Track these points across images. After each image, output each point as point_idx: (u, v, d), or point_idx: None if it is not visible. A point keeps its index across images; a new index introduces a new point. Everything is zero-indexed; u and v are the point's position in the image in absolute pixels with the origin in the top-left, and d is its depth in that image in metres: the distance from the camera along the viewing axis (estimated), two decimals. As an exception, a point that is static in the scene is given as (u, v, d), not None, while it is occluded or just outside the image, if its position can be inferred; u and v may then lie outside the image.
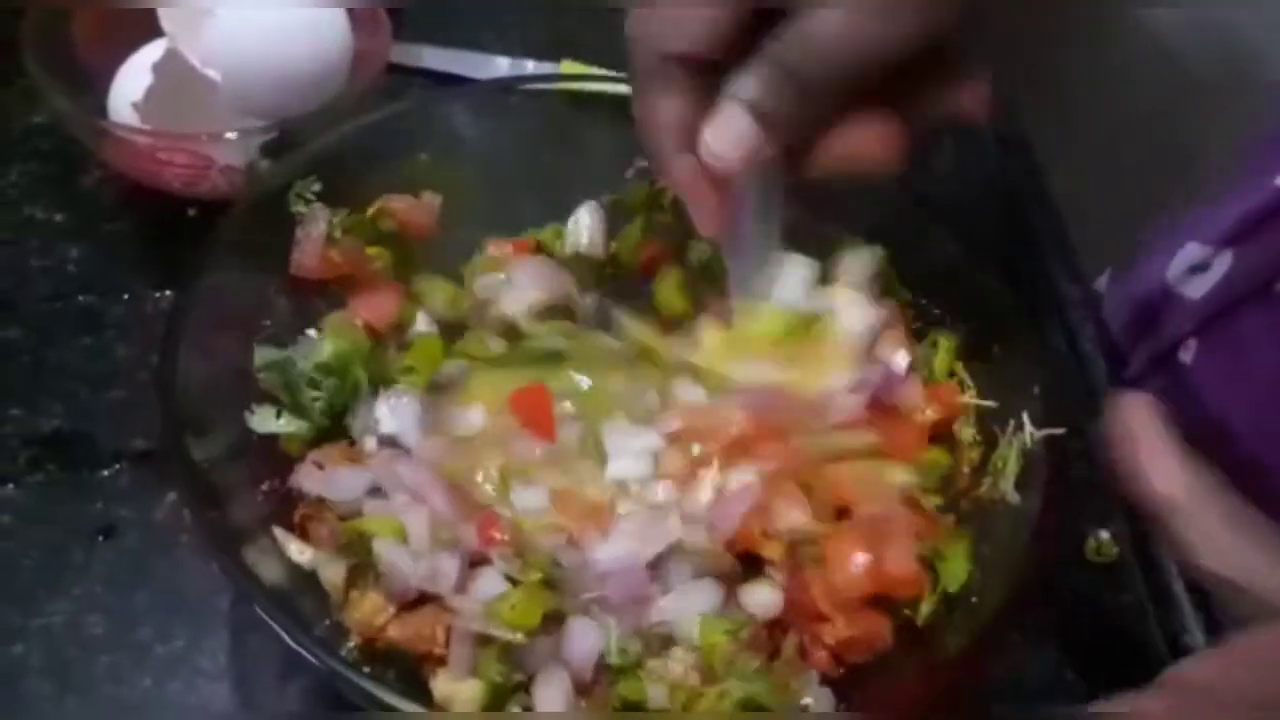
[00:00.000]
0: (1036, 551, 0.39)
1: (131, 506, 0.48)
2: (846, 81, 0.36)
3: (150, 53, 0.55)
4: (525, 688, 0.40)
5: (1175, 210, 0.54)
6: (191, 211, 0.55)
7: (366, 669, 0.39)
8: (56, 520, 0.47)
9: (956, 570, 0.41)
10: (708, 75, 0.38)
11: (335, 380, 0.44)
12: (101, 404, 0.51)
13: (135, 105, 0.53)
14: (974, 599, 0.40)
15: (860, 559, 0.40)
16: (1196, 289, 0.50)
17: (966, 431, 0.45)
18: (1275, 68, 0.61)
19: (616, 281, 0.50)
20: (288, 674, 0.44)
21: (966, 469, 0.44)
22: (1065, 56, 0.71)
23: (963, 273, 0.46)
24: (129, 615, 0.45)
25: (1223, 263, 0.49)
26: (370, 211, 0.47)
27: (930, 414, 0.44)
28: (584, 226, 0.50)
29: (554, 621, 0.40)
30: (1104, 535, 0.51)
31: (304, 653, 0.35)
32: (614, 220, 0.51)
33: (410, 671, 0.40)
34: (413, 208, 0.48)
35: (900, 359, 0.45)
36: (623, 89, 0.46)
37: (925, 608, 0.41)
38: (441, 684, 0.39)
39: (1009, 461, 0.42)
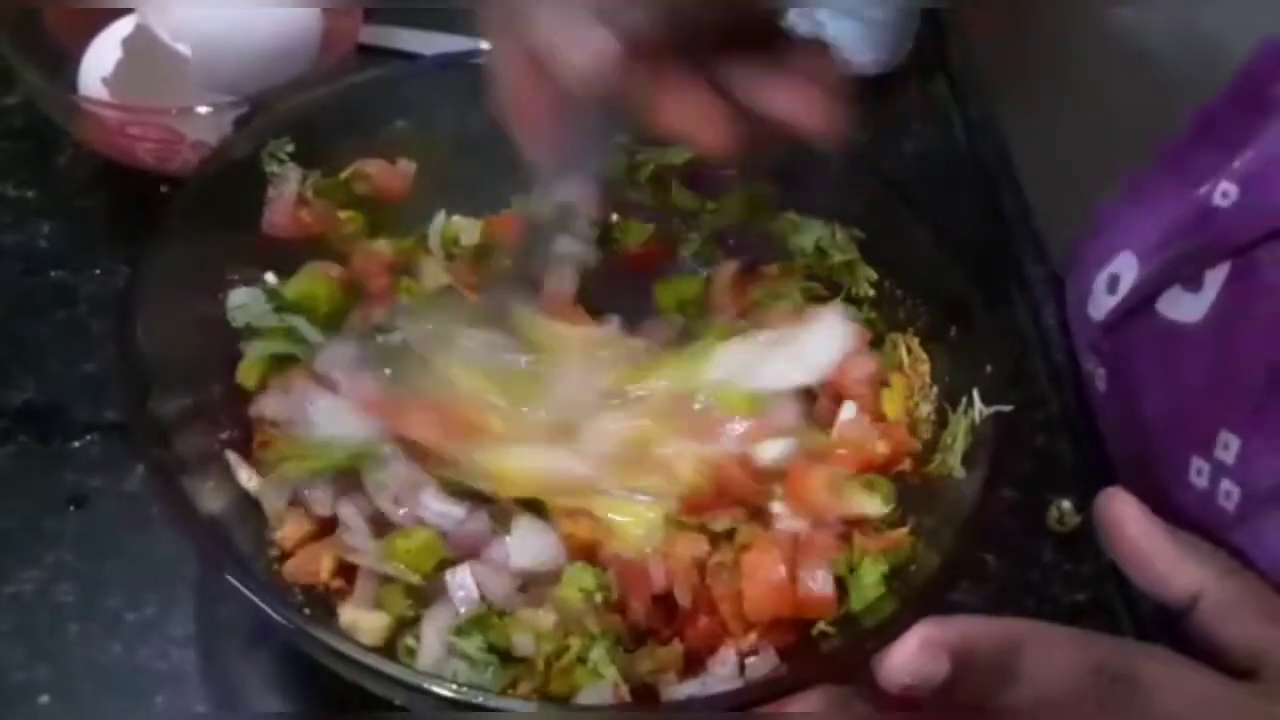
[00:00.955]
0: (974, 526, 0.39)
1: (103, 477, 0.48)
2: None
3: (120, 28, 0.55)
4: None
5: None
6: (164, 188, 0.55)
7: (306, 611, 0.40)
8: (28, 490, 0.48)
9: (866, 593, 0.40)
10: None
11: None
12: (73, 377, 0.51)
13: (105, 80, 0.54)
14: (912, 568, 0.40)
15: (775, 578, 0.40)
16: (1102, 308, 0.50)
17: (924, 408, 0.46)
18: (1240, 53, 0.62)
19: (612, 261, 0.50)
20: (255, 640, 0.44)
21: (919, 445, 0.45)
22: (1034, 41, 0.72)
23: (925, 255, 0.47)
24: (100, 583, 0.46)
25: (1130, 279, 0.49)
26: (344, 174, 0.48)
27: (881, 448, 0.44)
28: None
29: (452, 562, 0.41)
30: (1065, 505, 0.51)
31: (235, 583, 0.35)
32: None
33: (320, 600, 0.41)
34: (386, 172, 0.48)
35: (847, 407, 0.46)
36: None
37: (826, 627, 0.40)
38: (348, 614, 0.40)
39: (957, 438, 0.43)
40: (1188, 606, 0.39)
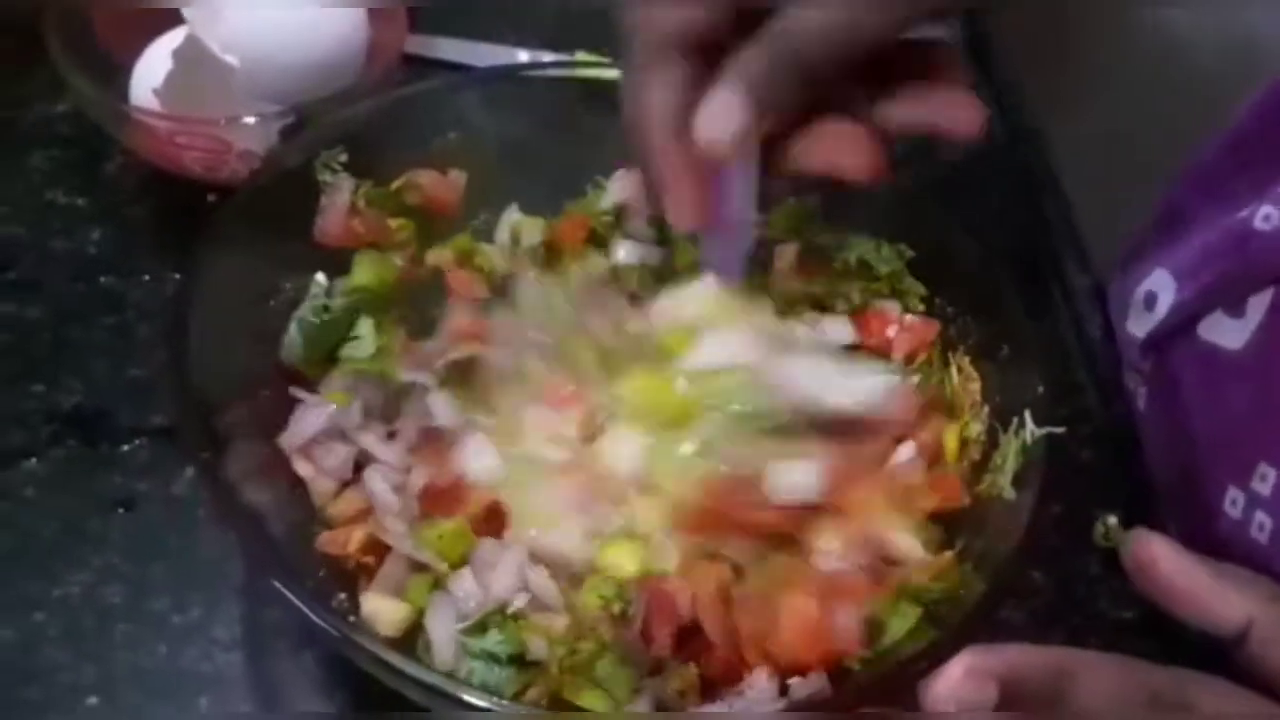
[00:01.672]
0: (1023, 551, 0.39)
1: (150, 481, 0.49)
2: (844, 64, 0.37)
3: (171, 39, 0.56)
4: None
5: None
6: (211, 197, 0.56)
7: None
8: (76, 493, 0.48)
9: (898, 630, 0.39)
10: (702, 62, 0.38)
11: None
12: (121, 382, 0.52)
13: (156, 91, 0.54)
14: (961, 592, 0.40)
15: (812, 623, 0.39)
16: (1142, 326, 0.50)
17: (974, 428, 0.45)
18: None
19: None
20: (301, 643, 0.45)
21: (966, 463, 0.44)
22: (1076, 45, 0.71)
23: (974, 273, 0.46)
24: (146, 586, 0.46)
25: (1168, 298, 0.48)
26: (395, 184, 0.48)
27: (928, 503, 0.43)
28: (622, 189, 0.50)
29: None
30: (1111, 520, 0.50)
31: (280, 588, 0.36)
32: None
33: (347, 577, 0.41)
34: (438, 183, 0.49)
35: (907, 447, 0.44)
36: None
37: (856, 665, 0.39)
38: (370, 601, 0.40)
39: (1008, 459, 0.42)
40: (1238, 637, 0.39)
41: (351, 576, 0.42)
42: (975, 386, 0.45)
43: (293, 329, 0.46)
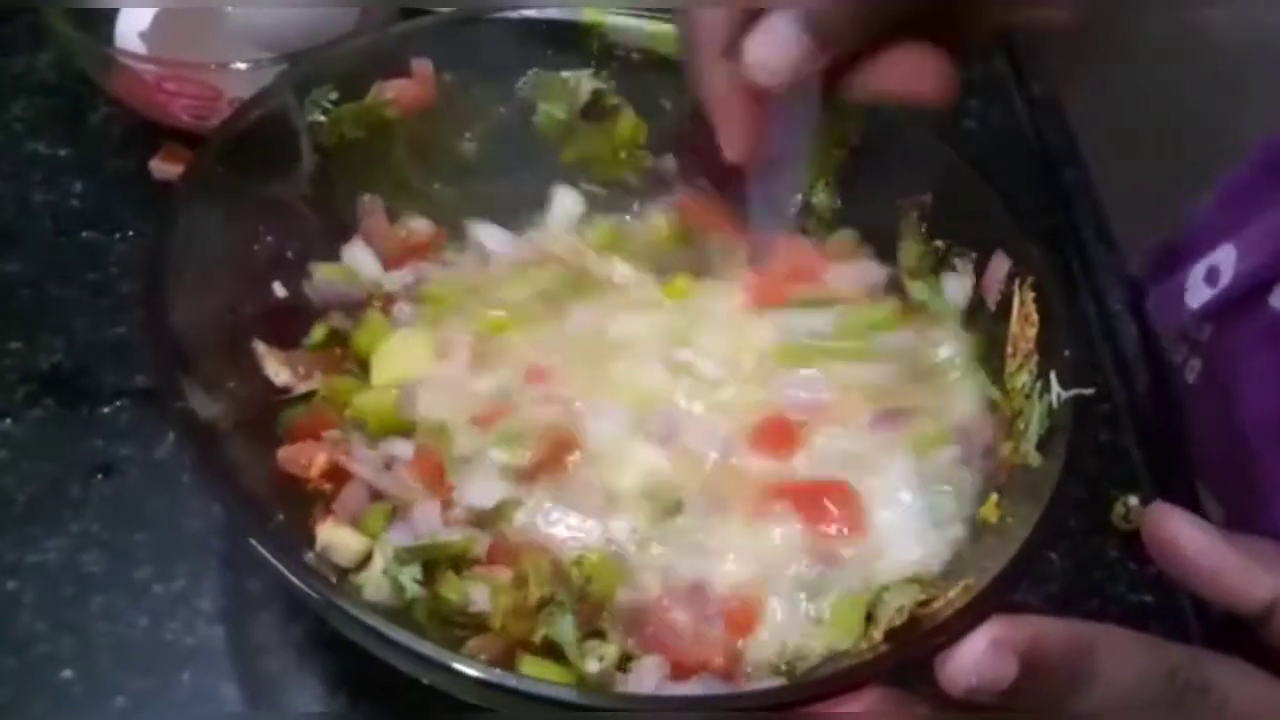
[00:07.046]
0: (1051, 518, 0.37)
1: (132, 444, 0.47)
2: None
3: (160, -19, 0.53)
4: None
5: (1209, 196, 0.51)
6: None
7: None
8: (54, 457, 0.46)
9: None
10: None
11: None
12: (103, 341, 0.50)
13: (142, 34, 0.52)
14: (987, 564, 0.37)
15: None
16: (1197, 299, 0.48)
17: (1021, 378, 0.42)
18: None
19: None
20: (289, 617, 0.43)
21: (1006, 413, 0.42)
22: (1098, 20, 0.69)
23: (1003, 234, 0.44)
24: (127, 554, 0.44)
25: (1229, 271, 0.47)
26: (367, 99, 0.45)
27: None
28: None
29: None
30: (1133, 501, 0.49)
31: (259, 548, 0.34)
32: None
33: (301, 502, 0.39)
34: (409, 87, 0.46)
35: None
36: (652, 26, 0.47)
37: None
38: (326, 531, 0.39)
39: (1031, 423, 0.40)
40: (1265, 616, 0.37)
41: (306, 499, 0.40)
42: (1033, 332, 0.42)
43: None
